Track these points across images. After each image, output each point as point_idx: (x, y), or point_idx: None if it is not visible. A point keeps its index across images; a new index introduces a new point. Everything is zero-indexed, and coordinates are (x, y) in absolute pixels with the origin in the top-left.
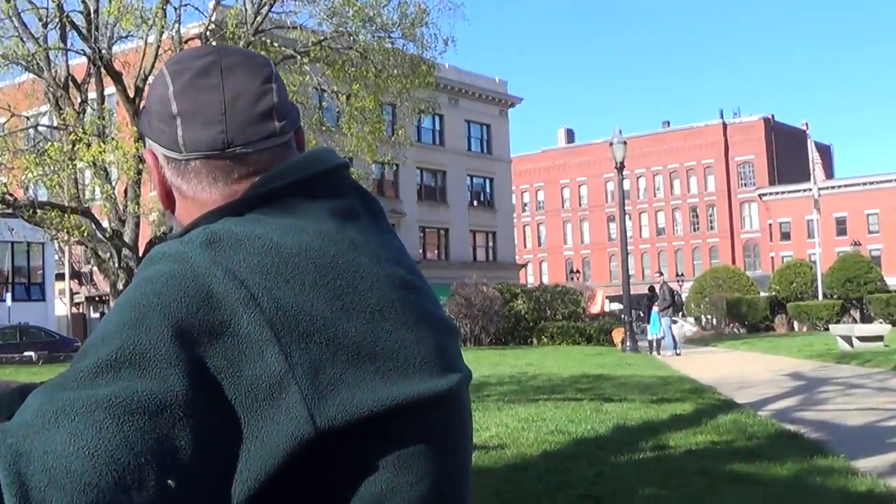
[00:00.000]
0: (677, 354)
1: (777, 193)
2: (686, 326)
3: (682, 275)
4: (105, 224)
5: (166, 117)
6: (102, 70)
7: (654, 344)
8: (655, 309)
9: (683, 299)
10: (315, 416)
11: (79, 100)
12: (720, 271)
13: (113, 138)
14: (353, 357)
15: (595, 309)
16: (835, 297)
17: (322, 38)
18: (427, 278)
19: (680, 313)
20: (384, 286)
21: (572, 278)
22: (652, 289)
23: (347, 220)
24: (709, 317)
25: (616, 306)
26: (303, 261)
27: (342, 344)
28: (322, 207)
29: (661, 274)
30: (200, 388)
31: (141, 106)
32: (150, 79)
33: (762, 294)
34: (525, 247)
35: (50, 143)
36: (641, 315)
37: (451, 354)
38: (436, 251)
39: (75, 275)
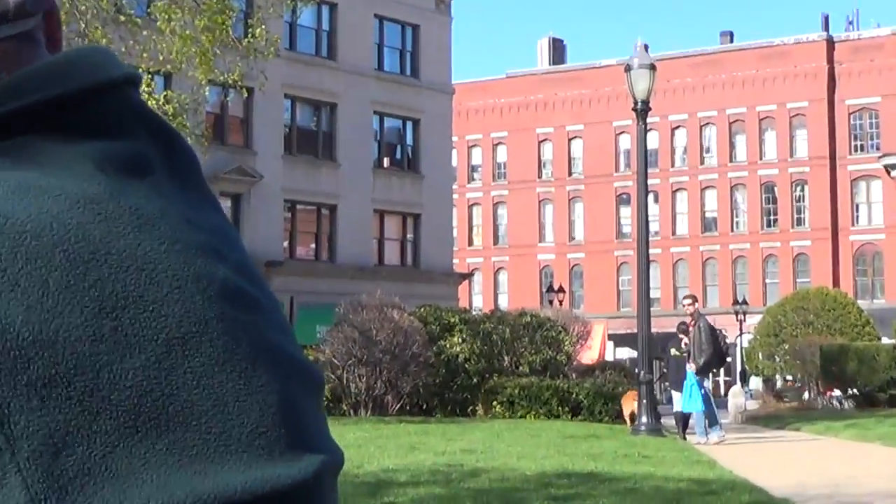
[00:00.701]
0: (719, 440)
1: None
2: (741, 394)
3: (745, 302)
4: None
5: None
6: None
7: (679, 421)
8: (690, 367)
9: (743, 345)
10: None
11: None
12: (811, 298)
13: None
14: (129, 423)
15: (590, 356)
16: None
17: None
18: (296, 292)
19: (740, 373)
20: (192, 296)
21: (551, 302)
22: (684, 327)
23: (130, 178)
24: (788, 377)
25: (626, 353)
26: (44, 248)
27: (110, 400)
28: (84, 153)
29: (695, 301)
30: None
31: None
32: None
33: (885, 340)
34: (471, 244)
35: None
36: (665, 369)
37: (307, 421)
38: (312, 245)
39: None
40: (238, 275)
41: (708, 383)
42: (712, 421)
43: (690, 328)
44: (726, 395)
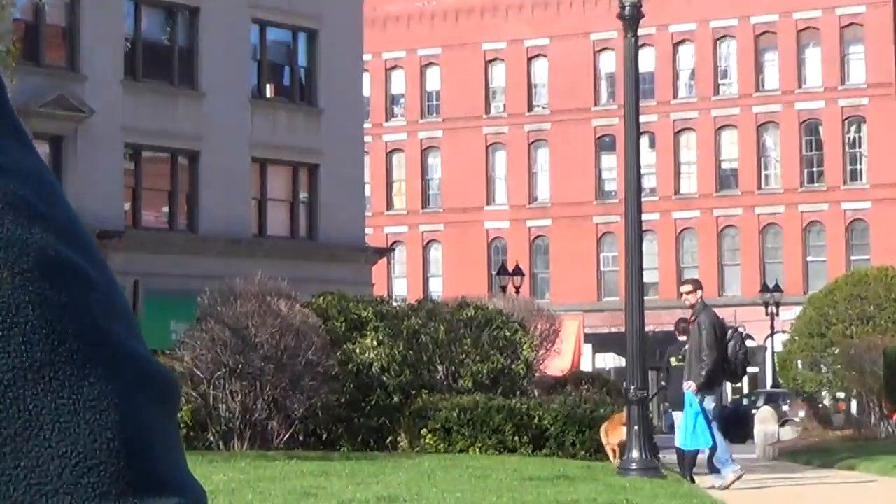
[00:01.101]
0: (736, 478)
1: None
2: (772, 418)
3: (777, 289)
4: None
5: None
6: None
7: (683, 459)
8: (687, 386)
9: (776, 349)
10: None
11: None
12: (872, 282)
13: None
14: None
15: (560, 365)
16: None
17: None
18: (141, 275)
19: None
20: None
21: (504, 288)
22: (683, 325)
23: None
24: (838, 394)
25: (611, 361)
26: None
27: None
28: None
29: (697, 289)
30: None
31: None
32: None
33: None
34: (390, 206)
35: None
36: (664, 384)
37: (157, 450)
38: (165, 209)
39: None
40: (62, 241)
41: (709, 401)
42: (718, 455)
43: (690, 328)
44: (746, 418)
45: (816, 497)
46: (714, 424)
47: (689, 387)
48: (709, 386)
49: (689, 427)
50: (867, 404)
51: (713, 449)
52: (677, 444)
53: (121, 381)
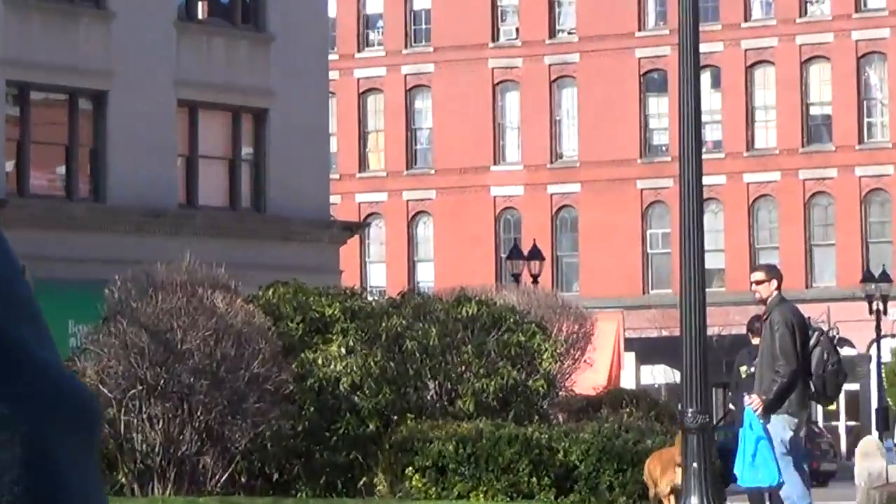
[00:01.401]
0: None
1: None
2: (879, 452)
3: (885, 278)
4: None
5: None
6: None
7: (760, 500)
8: (749, 401)
9: (883, 358)
10: None
11: None
12: None
13: None
14: None
15: (592, 380)
16: None
17: None
18: (29, 258)
19: (877, 413)
20: None
21: (517, 277)
22: (758, 324)
23: None
24: None
25: (661, 375)
26: None
27: None
28: None
29: (773, 277)
30: None
31: None
32: None
33: None
34: (365, 167)
35: None
36: (732, 406)
37: (72, 488)
38: (61, 169)
39: None
40: None
41: (784, 429)
42: (793, 499)
43: (762, 329)
44: (851, 453)
45: None
46: (790, 458)
47: (750, 402)
48: (778, 407)
49: (746, 456)
50: None
51: (778, 487)
52: (740, 479)
53: (30, 404)
